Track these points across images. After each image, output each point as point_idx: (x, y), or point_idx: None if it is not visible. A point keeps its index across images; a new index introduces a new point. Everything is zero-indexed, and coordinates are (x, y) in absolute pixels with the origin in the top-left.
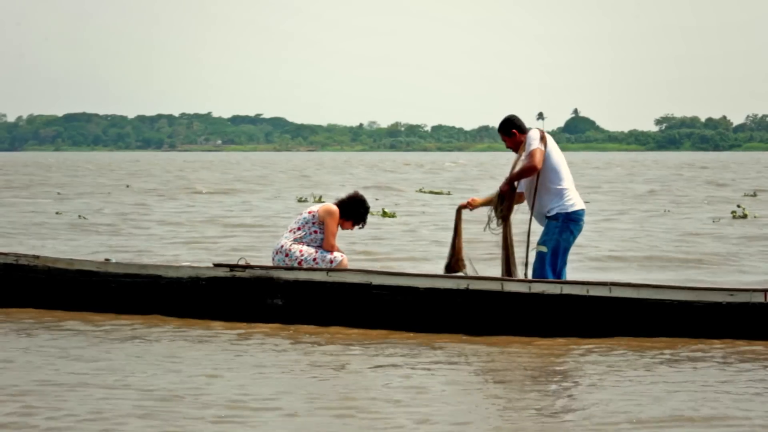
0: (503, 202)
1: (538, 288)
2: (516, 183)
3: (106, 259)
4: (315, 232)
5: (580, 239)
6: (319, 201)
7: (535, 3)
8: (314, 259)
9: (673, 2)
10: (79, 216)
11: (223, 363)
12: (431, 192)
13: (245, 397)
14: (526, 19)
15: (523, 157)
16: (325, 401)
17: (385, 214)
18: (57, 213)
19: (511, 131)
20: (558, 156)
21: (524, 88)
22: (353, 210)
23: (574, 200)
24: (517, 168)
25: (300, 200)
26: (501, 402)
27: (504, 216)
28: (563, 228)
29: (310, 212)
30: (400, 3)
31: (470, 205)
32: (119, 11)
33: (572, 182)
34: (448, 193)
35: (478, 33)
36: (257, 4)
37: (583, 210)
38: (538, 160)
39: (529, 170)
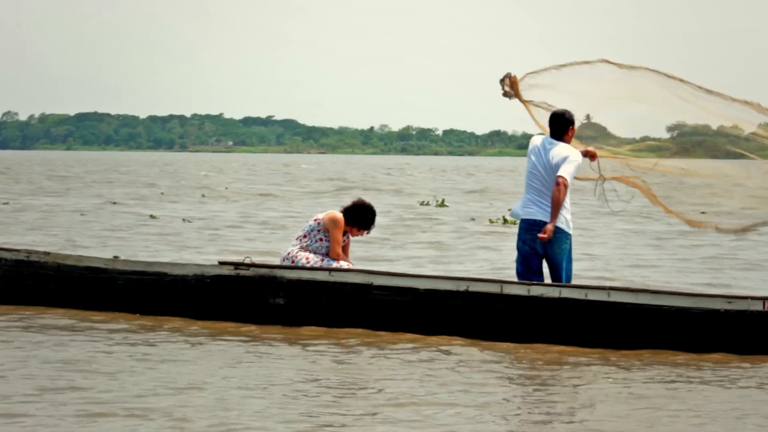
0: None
1: (537, 291)
2: None
3: (115, 257)
4: (320, 239)
5: None
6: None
7: (548, 8)
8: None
9: (680, 9)
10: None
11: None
12: None
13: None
14: (538, 23)
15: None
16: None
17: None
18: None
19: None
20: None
21: None
22: (359, 216)
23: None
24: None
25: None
26: (497, 407)
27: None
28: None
29: (315, 220)
30: (412, 6)
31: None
32: (131, 11)
33: (529, 190)
34: None
35: (491, 37)
36: (268, 7)
37: (523, 220)
38: None
39: None
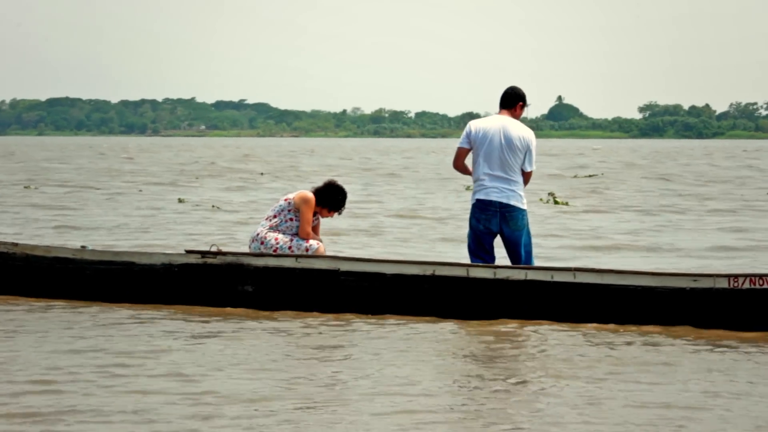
0: None
1: (503, 274)
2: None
3: (83, 246)
4: (291, 219)
5: None
6: None
7: None
8: (290, 248)
9: None
10: None
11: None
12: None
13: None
14: (511, 5)
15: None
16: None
17: (556, 201)
18: None
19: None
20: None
21: (508, 75)
22: (330, 197)
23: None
24: None
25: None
26: (466, 385)
27: None
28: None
29: (286, 199)
30: None
31: None
32: None
33: (483, 172)
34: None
35: (463, 19)
36: None
37: (478, 200)
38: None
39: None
